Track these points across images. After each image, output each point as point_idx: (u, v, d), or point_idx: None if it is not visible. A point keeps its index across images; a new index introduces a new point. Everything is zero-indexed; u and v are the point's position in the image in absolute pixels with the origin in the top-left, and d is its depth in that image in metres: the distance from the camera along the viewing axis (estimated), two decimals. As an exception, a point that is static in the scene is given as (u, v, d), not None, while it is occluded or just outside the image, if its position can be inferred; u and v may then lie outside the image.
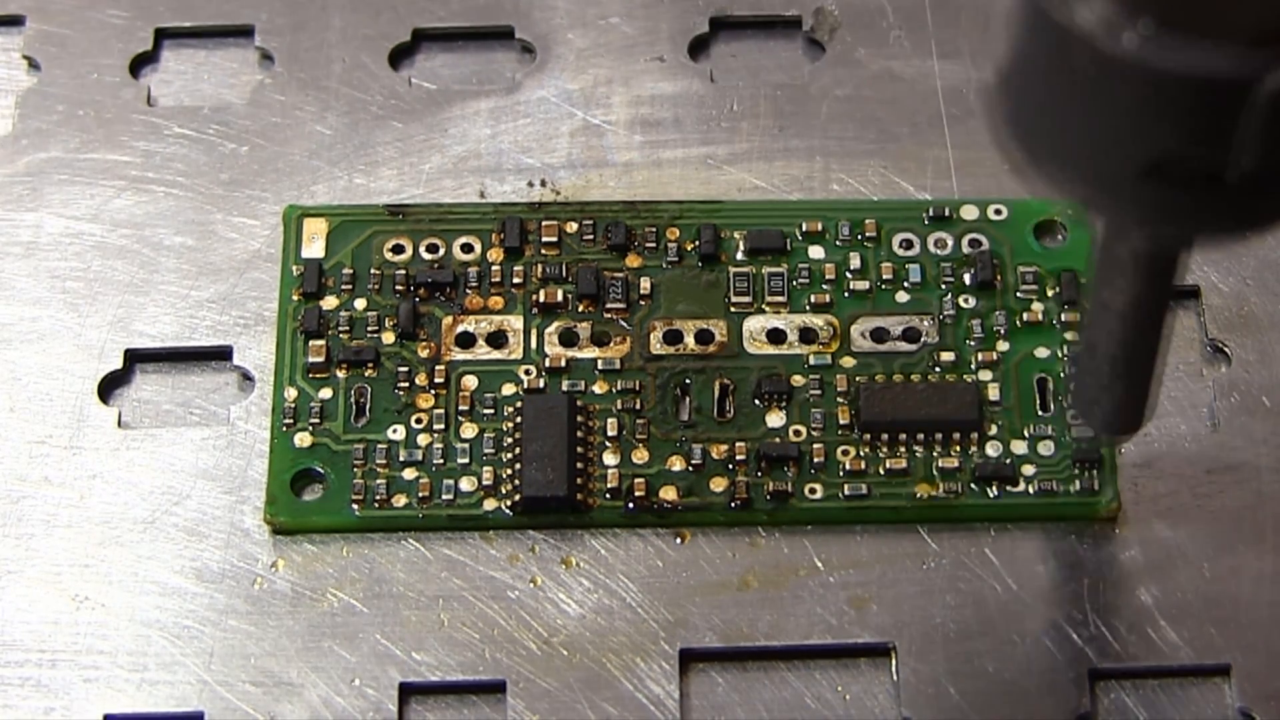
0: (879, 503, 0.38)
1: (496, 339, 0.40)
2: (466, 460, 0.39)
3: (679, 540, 0.38)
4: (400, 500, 0.39)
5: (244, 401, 0.40)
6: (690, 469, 0.39)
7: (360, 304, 0.40)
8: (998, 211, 0.41)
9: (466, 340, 0.40)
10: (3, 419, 0.40)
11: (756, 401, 0.39)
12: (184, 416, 0.40)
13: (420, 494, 0.39)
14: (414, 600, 0.38)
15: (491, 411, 0.39)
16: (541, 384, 0.40)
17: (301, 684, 0.37)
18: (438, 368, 0.40)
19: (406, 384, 0.40)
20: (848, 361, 0.40)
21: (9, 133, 0.43)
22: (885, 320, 0.40)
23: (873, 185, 0.42)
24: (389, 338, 0.40)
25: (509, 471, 0.39)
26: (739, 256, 0.41)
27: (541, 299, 0.40)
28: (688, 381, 0.40)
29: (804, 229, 0.41)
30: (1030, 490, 0.38)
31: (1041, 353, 0.40)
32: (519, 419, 0.39)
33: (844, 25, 0.44)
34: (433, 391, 0.39)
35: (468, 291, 0.40)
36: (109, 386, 0.40)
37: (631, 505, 0.38)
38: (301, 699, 0.37)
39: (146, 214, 0.42)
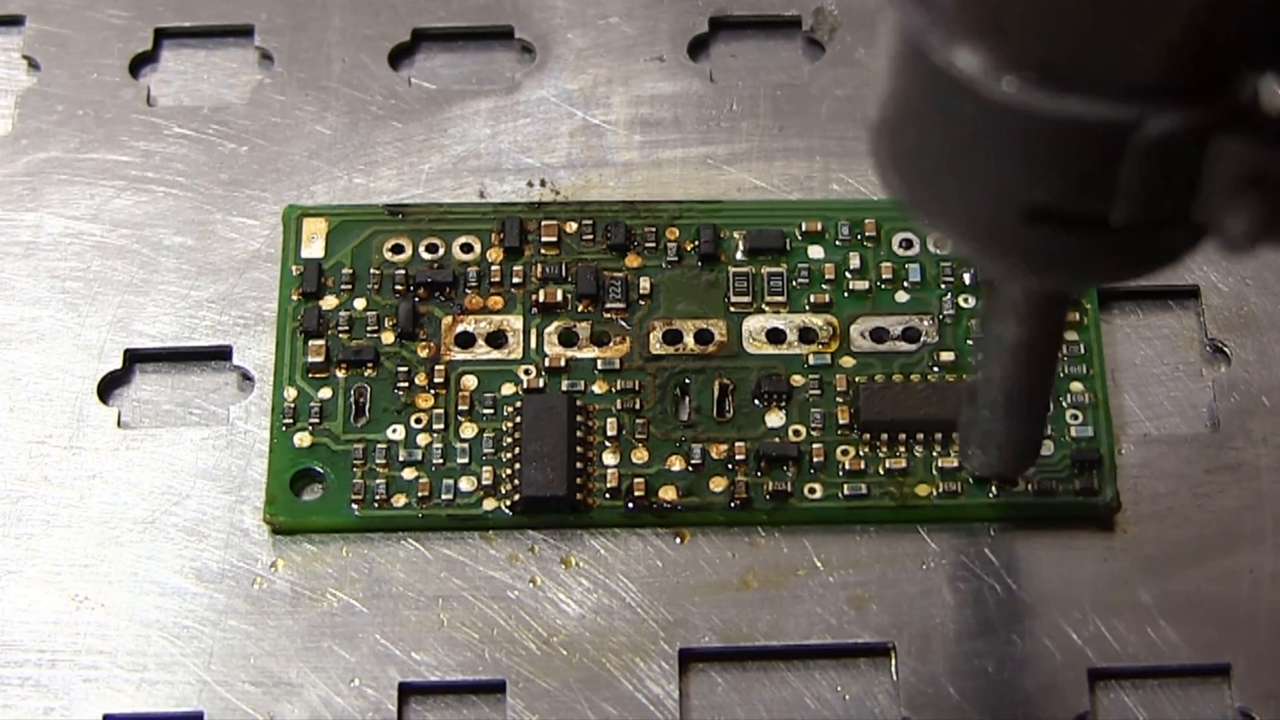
0: (879, 503, 0.38)
1: (496, 339, 0.40)
2: (466, 460, 0.39)
3: (679, 540, 0.38)
4: (400, 500, 0.39)
5: (244, 401, 0.40)
6: (690, 469, 0.39)
7: (360, 304, 0.40)
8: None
9: (466, 340, 0.40)
10: (3, 419, 0.40)
11: (756, 401, 0.39)
12: (184, 416, 0.40)
13: (420, 494, 0.39)
14: (414, 600, 0.38)
15: (491, 411, 0.39)
16: (541, 384, 0.40)
17: (301, 684, 0.37)
18: (437, 368, 0.40)
19: (406, 384, 0.40)
20: (847, 361, 0.40)
21: (9, 133, 0.43)
22: (885, 320, 0.40)
23: (873, 185, 0.42)
24: (389, 338, 0.40)
25: (509, 471, 0.39)
26: (739, 256, 0.41)
27: (541, 299, 0.40)
28: (687, 381, 0.40)
29: (804, 229, 0.41)
30: (1030, 490, 0.38)
31: (1041, 352, 0.40)
32: (519, 419, 0.39)
33: (844, 25, 0.44)
34: (432, 391, 0.39)
35: (467, 291, 0.40)
36: (109, 386, 0.40)
37: (631, 505, 0.38)
38: (301, 699, 0.37)
39: (146, 214, 0.42)
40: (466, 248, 0.41)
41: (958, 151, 0.28)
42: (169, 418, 0.40)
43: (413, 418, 0.39)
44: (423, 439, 0.39)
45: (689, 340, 0.40)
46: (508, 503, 0.38)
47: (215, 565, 0.38)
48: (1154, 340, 0.41)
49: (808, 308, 0.40)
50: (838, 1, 0.44)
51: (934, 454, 0.39)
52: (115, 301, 0.41)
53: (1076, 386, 0.39)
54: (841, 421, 0.39)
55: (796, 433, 0.39)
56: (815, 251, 0.41)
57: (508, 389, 0.39)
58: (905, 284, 0.40)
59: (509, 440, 0.39)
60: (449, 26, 0.44)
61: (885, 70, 0.28)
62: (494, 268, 0.41)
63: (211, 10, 0.44)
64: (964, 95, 0.27)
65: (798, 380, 0.40)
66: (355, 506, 0.39)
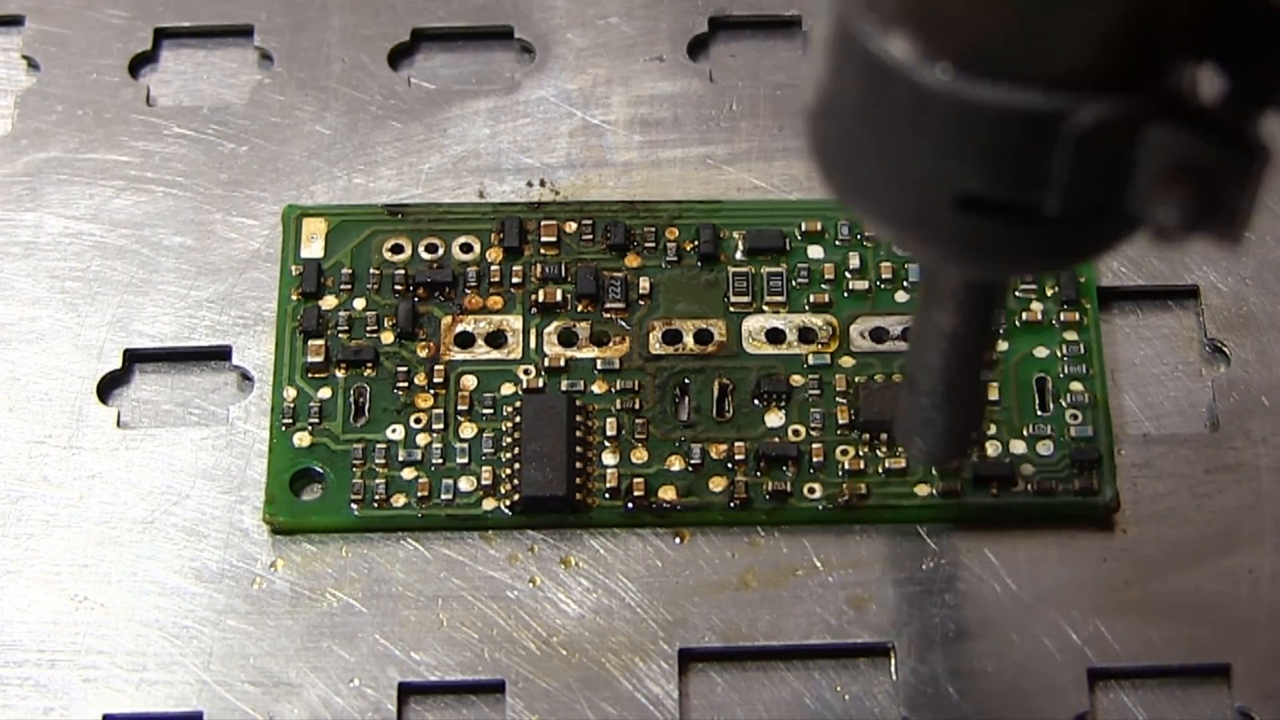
0: (879, 503, 0.38)
1: (496, 339, 0.40)
2: (466, 460, 0.39)
3: (678, 540, 0.38)
4: (399, 500, 0.39)
5: (243, 401, 0.40)
6: (689, 469, 0.39)
7: (359, 304, 0.40)
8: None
9: (466, 340, 0.40)
10: (2, 419, 0.40)
11: (756, 401, 0.39)
12: (183, 416, 0.40)
13: (419, 494, 0.39)
14: (413, 600, 0.38)
15: (491, 411, 0.39)
16: (541, 384, 0.40)
17: (300, 684, 0.37)
18: (437, 367, 0.40)
19: (406, 384, 0.40)
20: (847, 361, 0.40)
21: (8, 133, 0.43)
22: (884, 320, 0.40)
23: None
24: (388, 337, 0.40)
25: (508, 471, 0.39)
26: (738, 256, 0.41)
27: (541, 299, 0.40)
28: (687, 381, 0.40)
29: (803, 229, 0.41)
30: (1030, 490, 0.38)
31: (1040, 352, 0.40)
32: (518, 419, 0.39)
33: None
34: (432, 391, 0.39)
35: (467, 291, 0.40)
36: (108, 386, 0.40)
37: (631, 505, 0.38)
38: (300, 699, 0.37)
39: (146, 214, 0.42)
40: (466, 248, 0.41)
41: (890, 140, 0.28)
42: (168, 418, 0.40)
43: (412, 418, 0.39)
44: (422, 439, 0.39)
45: (689, 340, 0.40)
46: (507, 503, 0.38)
47: (215, 565, 0.38)
48: (1154, 340, 0.41)
49: (807, 308, 0.40)
50: (837, 1, 0.44)
51: (934, 454, 0.39)
52: (115, 301, 0.41)
53: (1076, 386, 0.39)
54: (841, 421, 0.39)
55: (796, 433, 0.39)
56: (815, 251, 0.41)
57: (507, 389, 0.39)
58: (905, 284, 0.40)
59: (509, 440, 0.39)
60: (449, 26, 0.44)
61: (819, 58, 0.28)
62: (493, 268, 0.41)
63: (211, 10, 0.44)
64: (896, 83, 0.27)
65: (797, 380, 0.39)
66: (355, 506, 0.39)
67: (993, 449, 0.39)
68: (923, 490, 0.38)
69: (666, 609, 0.38)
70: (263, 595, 0.38)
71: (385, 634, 0.38)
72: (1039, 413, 0.39)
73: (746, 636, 0.37)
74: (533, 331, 0.40)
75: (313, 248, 0.41)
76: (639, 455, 0.39)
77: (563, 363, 0.40)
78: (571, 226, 0.41)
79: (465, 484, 0.39)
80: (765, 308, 0.40)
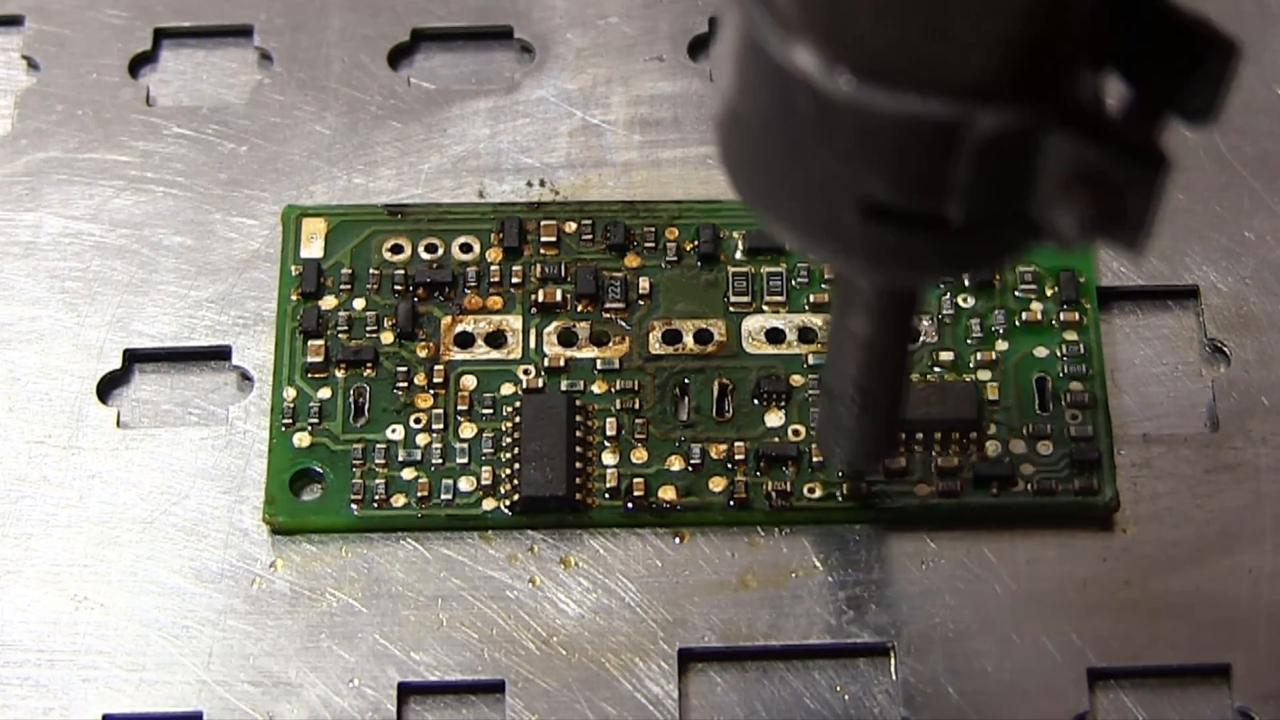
0: (878, 503, 0.38)
1: (495, 339, 0.40)
2: (465, 460, 0.39)
3: (678, 540, 0.38)
4: (399, 500, 0.39)
5: (243, 401, 0.40)
6: (689, 469, 0.39)
7: (359, 304, 0.40)
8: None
9: (465, 340, 0.40)
10: (2, 419, 0.40)
11: (755, 401, 0.39)
12: (183, 416, 0.40)
13: (419, 494, 0.39)
14: (413, 600, 0.38)
15: (490, 411, 0.39)
16: (540, 384, 0.40)
17: (300, 684, 0.37)
18: (436, 368, 0.40)
19: (405, 384, 0.40)
20: (847, 361, 0.40)
21: (8, 133, 0.43)
22: (884, 320, 0.40)
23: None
24: (388, 338, 0.40)
25: (508, 471, 0.39)
26: (738, 256, 0.41)
27: (540, 299, 0.40)
28: (687, 381, 0.40)
29: (803, 229, 0.41)
30: (1029, 490, 0.38)
31: (1040, 352, 0.40)
32: (518, 419, 0.39)
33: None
34: (431, 391, 0.39)
35: (466, 291, 0.40)
36: (108, 386, 0.40)
37: (630, 505, 0.38)
38: (300, 699, 0.37)
39: (145, 214, 0.42)
40: (466, 248, 0.41)
41: (795, 148, 0.28)
42: (168, 418, 0.40)
43: (412, 418, 0.39)
44: (422, 439, 0.39)
45: (688, 340, 0.40)
46: (507, 503, 0.38)
47: (214, 565, 0.38)
48: (1153, 340, 0.41)
49: (807, 307, 0.40)
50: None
51: (934, 454, 0.39)
52: (114, 301, 0.41)
53: (1076, 386, 0.39)
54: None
55: (796, 432, 0.39)
56: (815, 251, 0.41)
57: (507, 389, 0.39)
58: (905, 284, 0.40)
59: (508, 440, 0.39)
60: (448, 26, 0.44)
61: (726, 66, 0.28)
62: (493, 268, 0.41)
63: (211, 10, 0.44)
64: (800, 92, 0.27)
65: (797, 380, 0.39)
66: (354, 506, 0.39)
67: (992, 449, 0.39)
68: (923, 490, 0.38)
69: (666, 609, 0.38)
70: (262, 595, 0.38)
71: (385, 634, 0.38)
72: (1039, 412, 0.39)
73: (746, 636, 0.37)
74: (532, 331, 0.40)
75: (312, 248, 0.41)
76: (639, 455, 0.39)
77: (563, 363, 0.40)
78: (571, 226, 0.41)
79: (465, 484, 0.39)
80: (765, 308, 0.40)
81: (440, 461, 0.39)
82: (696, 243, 0.41)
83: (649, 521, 0.38)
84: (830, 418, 0.35)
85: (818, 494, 0.38)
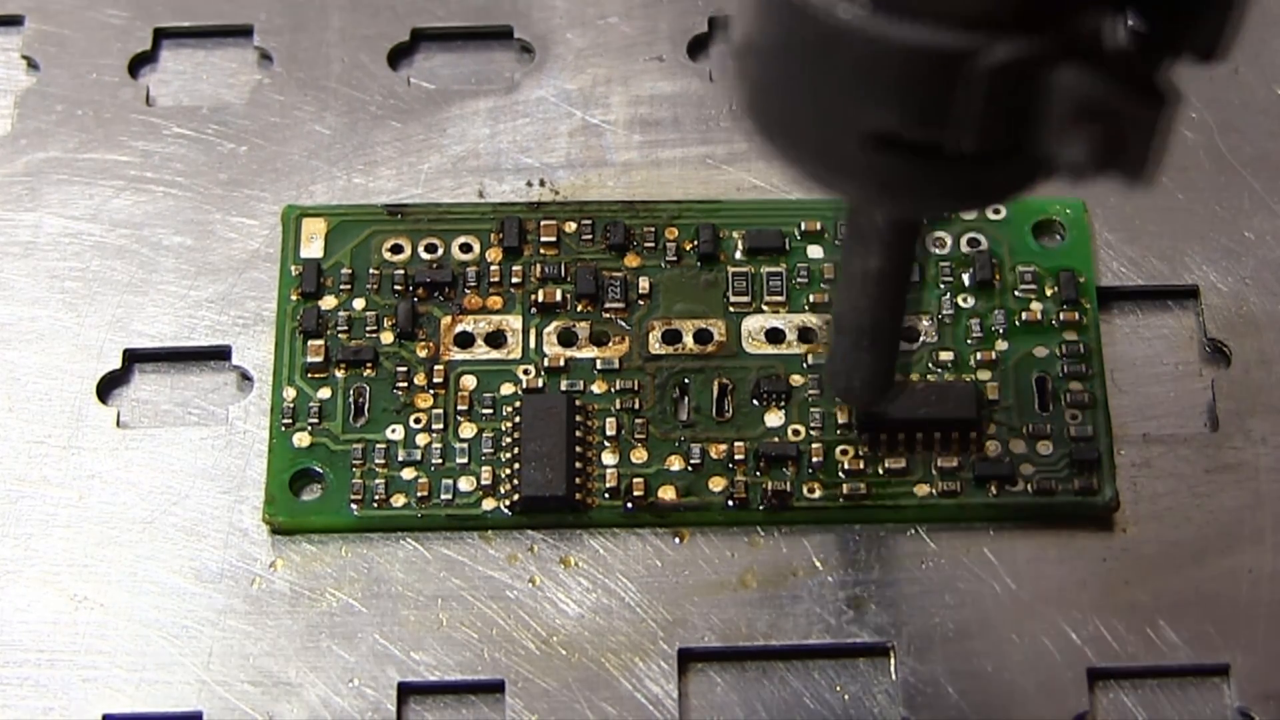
0: (878, 503, 0.38)
1: (495, 339, 0.40)
2: (465, 460, 0.39)
3: (678, 540, 0.38)
4: (399, 500, 0.39)
5: (243, 401, 0.40)
6: (689, 469, 0.39)
7: (359, 304, 0.40)
8: (996, 211, 0.41)
9: (465, 340, 0.40)
10: (2, 419, 0.40)
11: (755, 401, 0.39)
12: (183, 416, 0.40)
13: (419, 494, 0.39)
14: (413, 600, 0.38)
15: (490, 411, 0.39)
16: (540, 384, 0.40)
17: (300, 684, 0.37)
18: (436, 367, 0.40)
19: (405, 384, 0.40)
20: (847, 361, 0.40)
21: (8, 133, 0.43)
22: (884, 320, 0.40)
23: (872, 185, 0.42)
24: (388, 338, 0.40)
25: (508, 471, 0.39)
26: (738, 256, 0.41)
27: (540, 299, 0.40)
28: (686, 381, 0.40)
29: (803, 228, 0.41)
30: (1029, 490, 0.38)
31: (1040, 352, 0.40)
32: (518, 419, 0.39)
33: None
34: (431, 391, 0.39)
35: (466, 291, 0.40)
36: (108, 386, 0.40)
37: (630, 505, 0.38)
38: (300, 699, 0.37)
39: (145, 214, 0.42)
40: (465, 248, 0.41)
41: (807, 78, 0.28)
42: (168, 418, 0.40)
43: (412, 418, 0.39)
44: (422, 439, 0.39)
45: (688, 340, 0.40)
46: (507, 503, 0.38)
47: (214, 565, 0.38)
48: (1153, 340, 0.41)
49: (807, 307, 0.40)
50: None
51: (934, 454, 0.39)
52: (114, 301, 0.41)
53: (1076, 386, 0.39)
54: (841, 421, 0.39)
55: (795, 432, 0.39)
56: (814, 251, 0.41)
57: (507, 389, 0.39)
58: (904, 284, 0.40)
59: (508, 440, 0.39)
60: (448, 26, 0.44)
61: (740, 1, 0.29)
62: (493, 268, 0.41)
63: (211, 10, 0.44)
64: (807, 21, 0.27)
65: (797, 380, 0.39)
66: (354, 506, 0.39)
67: (992, 448, 0.39)
68: (922, 490, 0.38)
69: (666, 609, 0.38)
70: (262, 595, 0.38)
71: (385, 634, 0.38)
72: (1039, 412, 0.39)
73: (746, 636, 0.37)
74: (532, 331, 0.40)
75: (312, 248, 0.41)
76: (639, 455, 0.39)
77: (562, 363, 0.40)
78: (571, 226, 0.41)
79: (465, 484, 0.39)
80: (765, 307, 0.40)
81: (440, 461, 0.39)
82: (696, 243, 0.41)
83: (649, 521, 0.38)
84: (838, 352, 0.35)
85: (818, 494, 0.38)
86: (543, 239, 0.41)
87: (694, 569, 0.38)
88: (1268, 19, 0.43)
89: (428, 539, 0.38)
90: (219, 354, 0.41)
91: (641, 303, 0.40)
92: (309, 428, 0.39)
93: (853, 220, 0.32)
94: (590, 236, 0.41)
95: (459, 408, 0.39)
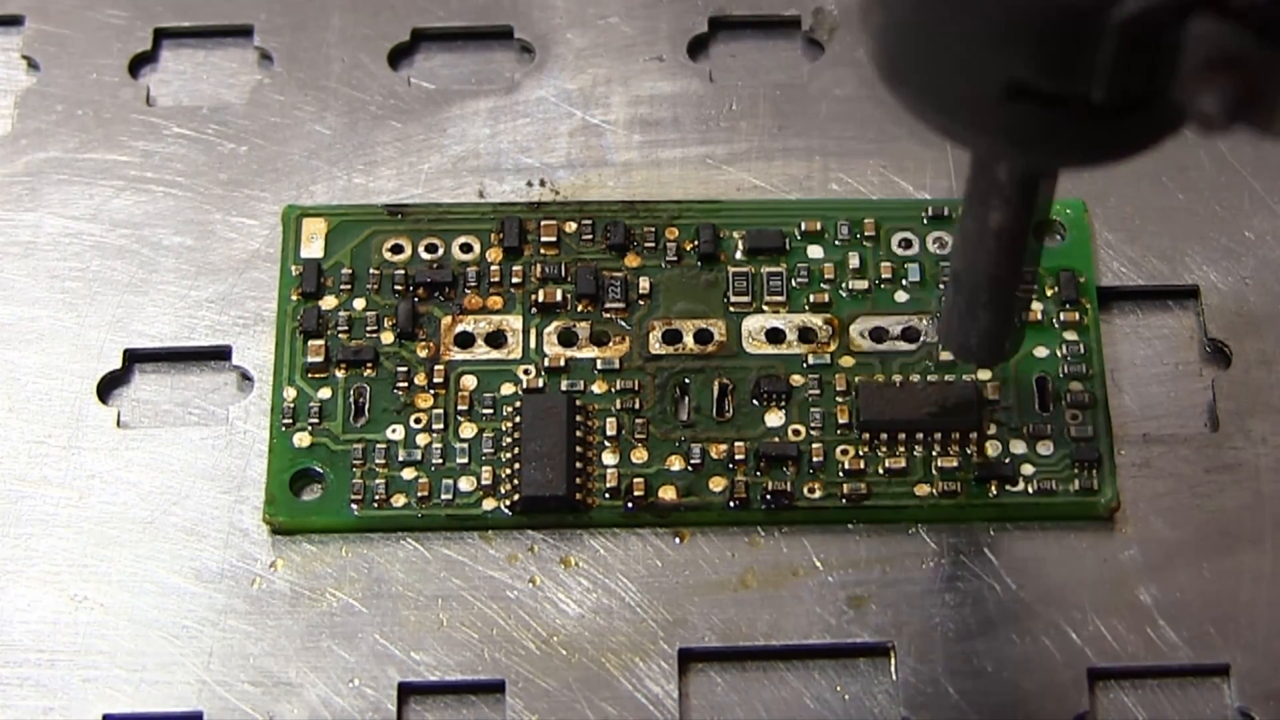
0: (878, 503, 0.38)
1: (495, 339, 0.40)
2: (465, 460, 0.39)
3: (678, 540, 0.38)
4: (399, 500, 0.39)
5: (243, 401, 0.40)
6: (689, 469, 0.39)
7: (359, 304, 0.40)
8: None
9: (465, 340, 0.40)
10: (2, 419, 0.40)
11: (755, 401, 0.39)
12: (183, 416, 0.40)
13: (419, 494, 0.39)
14: (413, 600, 0.38)
15: (490, 411, 0.39)
16: (540, 384, 0.40)
17: (300, 684, 0.37)
18: (437, 368, 0.40)
19: (405, 384, 0.39)
20: (847, 361, 0.40)
21: (8, 133, 0.43)
22: (884, 320, 0.40)
23: (872, 185, 0.42)
24: (388, 338, 0.40)
25: (508, 471, 0.39)
26: (738, 256, 0.41)
27: (540, 299, 0.40)
28: (687, 381, 0.40)
29: (803, 229, 0.41)
30: (1030, 490, 0.38)
31: (1041, 352, 0.40)
32: (518, 419, 0.39)
33: (843, 25, 0.44)
34: (432, 391, 0.39)
35: (467, 291, 0.40)
36: (108, 386, 0.40)
37: (630, 505, 0.38)
38: (300, 699, 0.37)
39: (145, 214, 0.42)
40: (466, 248, 0.41)
41: (941, 27, 0.28)
42: (168, 418, 0.40)
43: (412, 418, 0.39)
44: (422, 439, 0.39)
45: (688, 340, 0.40)
46: (507, 503, 0.38)
47: (214, 565, 0.38)
48: (1154, 340, 0.41)
49: (807, 307, 0.40)
50: (837, 1, 0.44)
51: (934, 454, 0.39)
52: (114, 301, 0.41)
53: (1076, 386, 0.39)
54: (841, 421, 0.39)
55: (796, 432, 0.39)
56: (814, 251, 0.41)
57: (507, 389, 0.39)
58: (904, 283, 0.40)
59: (508, 440, 0.39)
60: (448, 26, 0.44)
61: None
62: (493, 268, 0.41)
63: (211, 10, 0.44)
64: None
65: (797, 380, 0.39)
66: (355, 506, 0.39)
67: (993, 448, 0.39)
68: (923, 490, 0.38)
69: (666, 609, 0.38)
70: (263, 595, 0.38)
71: (385, 634, 0.38)
72: (1039, 413, 0.39)
73: (746, 636, 0.37)
74: (533, 331, 0.40)
75: (312, 248, 0.41)
76: (639, 455, 0.39)
77: (563, 363, 0.40)
78: (571, 226, 0.41)
79: (465, 484, 0.39)
80: (765, 308, 0.40)
81: (440, 461, 0.39)
82: (696, 243, 0.41)
83: (649, 521, 0.38)
84: (954, 310, 0.35)
85: (818, 494, 0.38)
86: (543, 239, 0.41)
87: (694, 569, 0.38)
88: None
89: (428, 539, 0.38)
90: (219, 354, 0.41)
91: (642, 303, 0.40)
92: (309, 428, 0.39)
93: (975, 176, 0.33)
94: (590, 236, 0.41)
95: (459, 408, 0.39)
